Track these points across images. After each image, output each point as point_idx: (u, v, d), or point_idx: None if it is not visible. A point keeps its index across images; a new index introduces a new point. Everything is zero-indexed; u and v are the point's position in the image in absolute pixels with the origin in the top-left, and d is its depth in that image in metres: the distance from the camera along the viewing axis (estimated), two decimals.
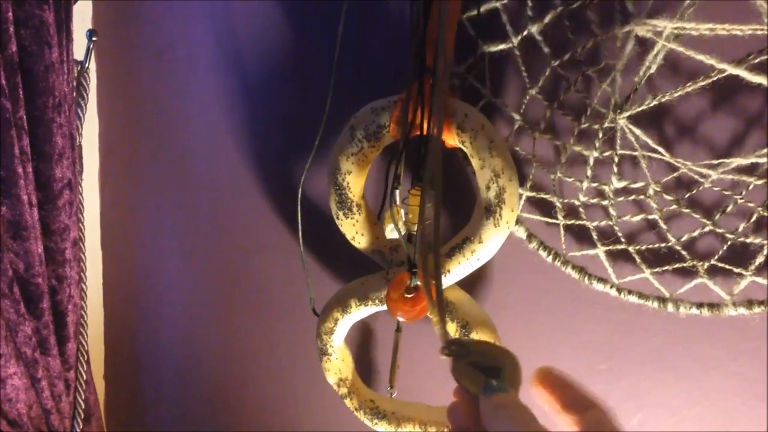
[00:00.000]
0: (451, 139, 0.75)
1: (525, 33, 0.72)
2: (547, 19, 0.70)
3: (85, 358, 1.05)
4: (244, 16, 0.91)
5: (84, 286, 1.02)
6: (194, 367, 1.20)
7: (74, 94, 0.93)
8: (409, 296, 0.79)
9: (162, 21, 1.00)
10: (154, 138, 1.07)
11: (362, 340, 1.02)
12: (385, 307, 0.84)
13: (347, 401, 0.93)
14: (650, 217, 0.75)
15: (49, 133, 0.84)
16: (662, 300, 0.76)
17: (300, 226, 0.89)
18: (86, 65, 0.96)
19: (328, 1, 0.84)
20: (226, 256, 1.08)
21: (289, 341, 1.07)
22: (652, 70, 0.67)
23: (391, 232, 0.80)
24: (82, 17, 1.04)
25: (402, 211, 0.79)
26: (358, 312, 0.87)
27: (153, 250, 1.16)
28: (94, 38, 0.96)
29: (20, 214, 0.83)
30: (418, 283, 0.78)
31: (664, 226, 0.74)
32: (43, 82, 0.81)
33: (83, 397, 1.05)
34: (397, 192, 0.80)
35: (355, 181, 0.81)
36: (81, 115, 0.97)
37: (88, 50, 0.96)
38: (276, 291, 1.05)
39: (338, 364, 0.93)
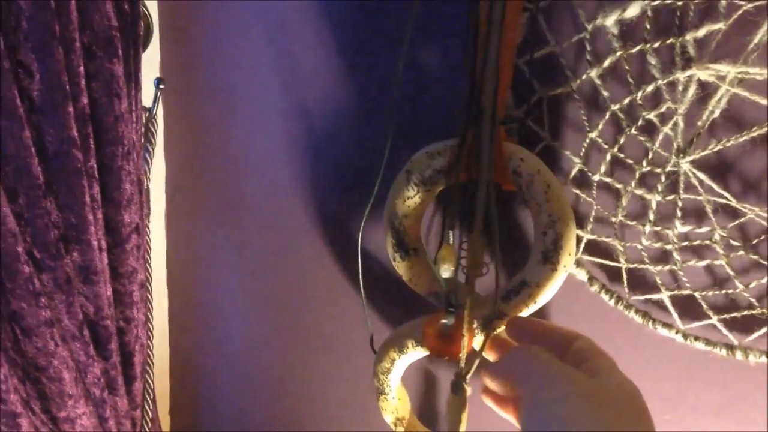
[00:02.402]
0: (507, 184, 0.74)
1: (584, 77, 0.71)
2: (606, 63, 0.70)
3: (151, 397, 1.07)
4: (309, 65, 0.93)
5: (150, 326, 1.05)
6: (252, 402, 1.21)
7: (142, 140, 0.96)
8: (445, 335, 0.80)
9: (228, 66, 1.03)
10: (218, 180, 1.10)
11: (420, 380, 1.01)
12: None
13: None
14: (716, 262, 0.72)
15: (118, 180, 0.87)
16: (730, 347, 0.74)
17: (360, 268, 0.90)
18: (154, 112, 0.99)
19: (389, 51, 0.85)
20: (285, 295, 1.09)
21: (345, 379, 1.08)
22: (716, 114, 0.66)
23: (444, 272, 0.79)
24: (150, 64, 1.08)
25: (456, 254, 0.79)
26: (415, 352, 0.86)
27: (215, 289, 1.18)
28: (161, 86, 0.99)
29: (90, 259, 0.86)
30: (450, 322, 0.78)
31: (731, 273, 0.72)
32: (113, 132, 0.84)
33: None
34: (451, 234, 0.80)
35: (411, 225, 0.82)
36: (149, 159, 1.01)
37: (155, 97, 0.99)
38: (332, 330, 1.06)
39: (395, 403, 0.93)
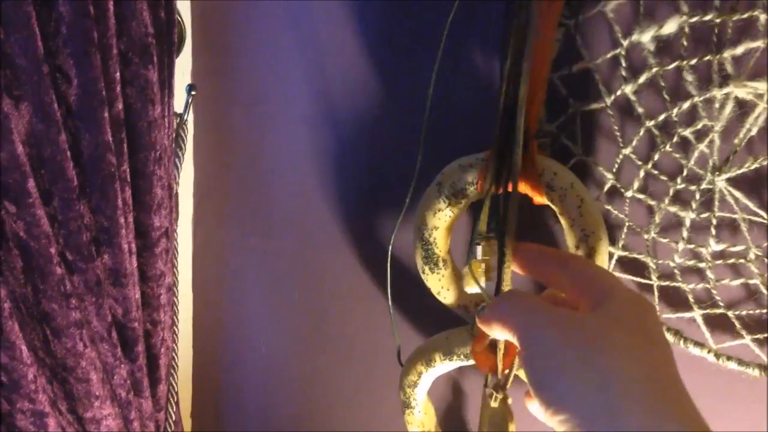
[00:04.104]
0: (540, 197, 0.74)
1: (618, 93, 0.71)
2: (641, 80, 0.69)
3: (175, 399, 1.08)
4: (338, 72, 0.94)
5: (176, 329, 1.05)
6: (275, 409, 1.21)
7: (173, 145, 0.97)
8: (493, 350, 0.79)
9: (258, 73, 1.04)
10: (246, 187, 1.11)
11: (447, 393, 1.01)
12: (469, 362, 0.83)
13: None
14: (751, 281, 0.72)
15: (150, 184, 0.88)
16: (764, 368, 0.73)
17: (389, 280, 0.90)
18: (185, 118, 1.00)
19: (419, 58, 0.86)
20: (310, 303, 1.09)
21: (370, 390, 1.08)
22: (753, 132, 0.65)
23: (471, 287, 0.79)
24: (182, 71, 1.08)
25: (483, 266, 0.78)
26: (442, 366, 0.86)
27: (240, 294, 1.19)
28: (193, 92, 1.00)
29: (121, 262, 0.87)
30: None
31: (765, 292, 0.71)
32: (146, 137, 0.85)
33: None
34: (479, 248, 0.80)
35: (441, 237, 0.82)
36: (178, 164, 1.01)
37: (187, 104, 1.00)
38: (358, 341, 1.06)
39: (421, 417, 0.93)
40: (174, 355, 1.07)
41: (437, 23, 0.81)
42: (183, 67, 1.09)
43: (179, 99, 0.99)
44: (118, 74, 0.80)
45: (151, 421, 1.02)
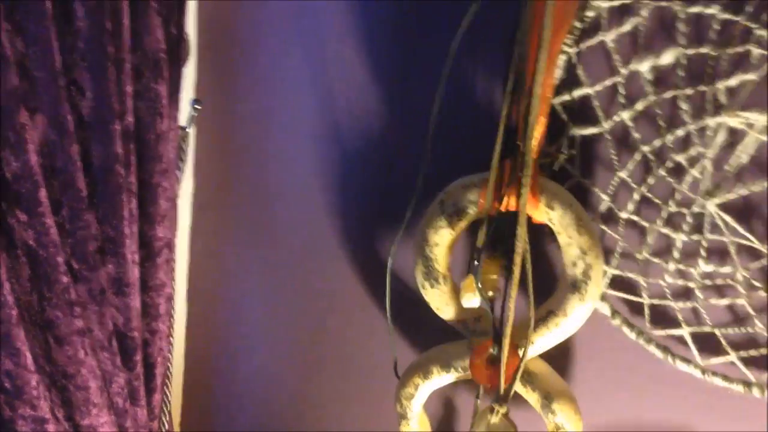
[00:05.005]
0: (539, 216, 0.77)
1: (616, 118, 0.75)
2: (639, 107, 0.73)
3: (168, 409, 1.09)
4: (343, 90, 0.96)
5: (171, 340, 1.07)
6: (269, 419, 1.22)
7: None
8: (491, 364, 0.82)
9: (262, 89, 1.06)
10: (246, 199, 1.12)
11: (439, 408, 1.03)
12: (466, 375, 0.86)
13: None
14: (737, 301, 0.75)
15: (155, 196, 0.90)
16: (748, 384, 0.76)
17: (388, 294, 0.92)
18: (188, 131, 1.02)
19: (424, 79, 0.88)
20: (308, 316, 1.11)
21: (366, 403, 1.09)
22: (744, 160, 0.69)
23: (467, 302, 0.81)
24: (185, 83, 1.10)
25: (474, 282, 0.81)
26: (440, 379, 0.88)
27: (237, 305, 1.20)
28: (197, 107, 1.02)
29: (124, 271, 0.88)
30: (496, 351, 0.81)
31: (751, 312, 0.74)
32: (153, 150, 0.87)
33: None
34: (477, 263, 0.83)
35: (442, 253, 0.84)
36: (179, 176, 1.03)
37: (190, 117, 1.02)
38: (355, 354, 1.08)
39: (416, 429, 0.95)
40: (169, 365, 1.08)
41: (442, 45, 0.84)
42: (186, 81, 1.11)
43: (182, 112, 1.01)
44: (129, 88, 0.82)
45: (146, 429, 1.03)
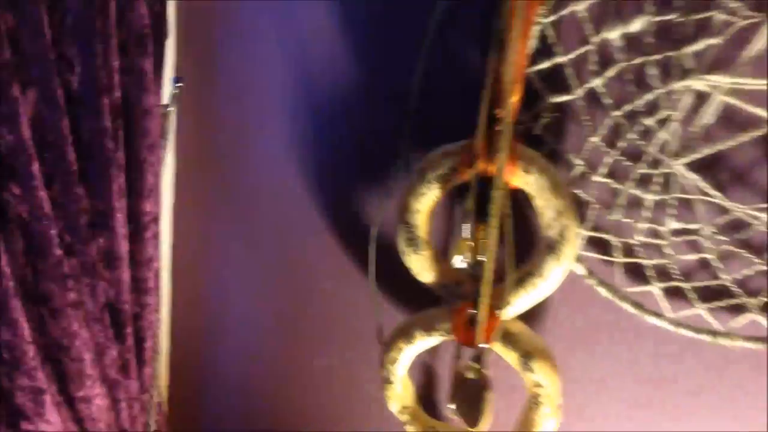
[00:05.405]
0: (517, 181, 0.81)
1: (588, 86, 0.79)
2: (609, 74, 0.77)
3: (161, 381, 1.11)
4: (320, 62, 0.99)
5: (158, 314, 1.09)
6: (256, 394, 1.25)
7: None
8: (471, 324, 0.86)
9: (241, 63, 1.08)
10: (229, 174, 1.15)
11: (420, 374, 1.06)
12: (449, 338, 0.89)
13: (409, 427, 0.98)
14: (704, 256, 0.80)
15: (142, 171, 0.92)
16: (714, 334, 0.81)
17: (371, 263, 0.95)
18: (170, 108, 1.04)
19: (403, 50, 0.92)
20: (290, 288, 1.14)
21: (350, 369, 1.12)
22: (710, 121, 0.73)
23: (459, 262, 0.85)
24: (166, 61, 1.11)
25: (469, 243, 0.85)
26: (423, 342, 0.92)
27: (221, 279, 1.22)
28: (179, 84, 1.04)
29: (115, 245, 0.90)
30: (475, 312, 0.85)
31: (718, 265, 0.79)
32: (140, 125, 0.89)
33: (155, 419, 1.11)
34: (466, 226, 0.86)
35: (423, 220, 0.88)
36: (162, 152, 1.05)
37: (172, 95, 1.04)
38: (339, 322, 1.11)
39: (401, 392, 0.98)
40: (157, 339, 1.10)
41: (422, 16, 0.87)
42: (167, 59, 1.13)
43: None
44: (116, 63, 0.84)
45: (137, 401, 1.05)
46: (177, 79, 1.04)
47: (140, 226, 0.96)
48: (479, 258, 0.83)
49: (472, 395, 0.88)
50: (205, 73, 1.12)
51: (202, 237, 1.22)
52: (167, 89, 1.03)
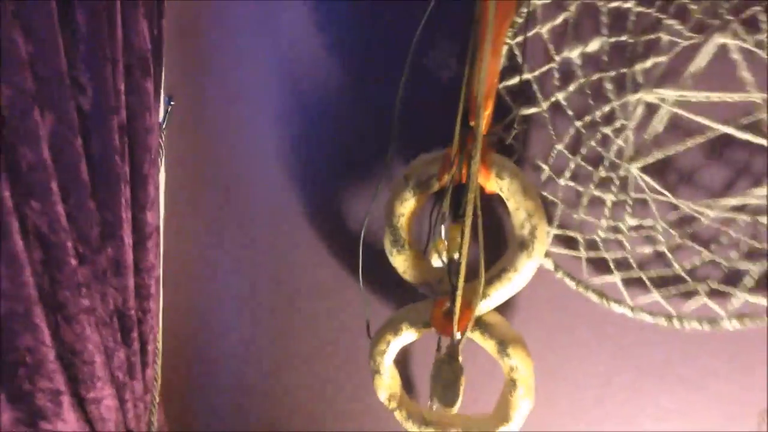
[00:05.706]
0: (491, 186, 0.90)
1: (553, 99, 0.88)
2: (571, 88, 0.87)
3: (159, 382, 1.18)
4: (307, 67, 1.07)
5: (159, 319, 1.15)
6: (247, 393, 1.31)
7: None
8: (448, 316, 0.94)
9: (229, 67, 1.16)
10: (218, 180, 1.21)
11: (405, 366, 1.14)
12: (431, 330, 0.97)
13: (397, 414, 1.06)
14: (659, 248, 0.90)
15: (145, 184, 0.99)
16: (669, 317, 0.90)
17: (360, 262, 1.02)
18: (164, 126, 1.11)
19: (390, 61, 1.01)
20: (281, 288, 1.21)
21: (338, 364, 1.20)
22: (660, 129, 0.83)
23: (436, 261, 0.94)
24: None
25: (444, 243, 0.94)
26: (408, 334, 1.00)
27: (211, 282, 1.28)
28: (172, 102, 1.11)
29: (122, 254, 0.97)
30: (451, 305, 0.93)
31: (670, 256, 0.89)
32: (143, 141, 0.96)
33: (156, 417, 1.18)
34: (442, 228, 0.95)
35: (407, 223, 0.96)
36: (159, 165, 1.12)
37: (166, 113, 1.11)
38: (327, 320, 1.18)
39: (388, 381, 1.06)
40: (157, 342, 1.16)
41: (406, 28, 0.96)
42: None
43: None
44: (122, 85, 0.91)
45: (141, 401, 1.11)
46: (170, 99, 1.11)
47: (143, 236, 1.02)
48: (454, 256, 0.92)
49: (449, 380, 0.96)
50: (193, 82, 1.19)
51: (192, 240, 1.28)
52: (162, 107, 1.11)
